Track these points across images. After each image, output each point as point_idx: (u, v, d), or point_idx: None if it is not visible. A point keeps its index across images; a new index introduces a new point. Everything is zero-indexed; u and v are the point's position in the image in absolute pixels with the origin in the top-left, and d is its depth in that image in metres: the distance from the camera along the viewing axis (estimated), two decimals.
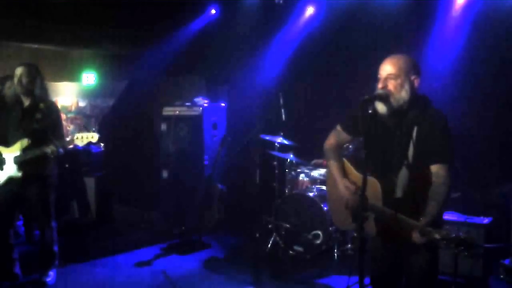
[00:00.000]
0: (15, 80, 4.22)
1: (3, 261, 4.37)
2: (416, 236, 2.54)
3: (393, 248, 2.78)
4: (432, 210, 2.57)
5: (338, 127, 3.07)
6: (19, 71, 4.23)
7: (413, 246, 2.63)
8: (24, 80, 4.22)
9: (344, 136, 3.05)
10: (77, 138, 4.08)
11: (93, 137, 4.08)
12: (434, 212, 2.55)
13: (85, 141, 4.08)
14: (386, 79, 2.71)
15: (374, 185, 2.70)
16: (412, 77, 2.71)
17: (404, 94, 2.69)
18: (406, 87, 2.69)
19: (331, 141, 3.12)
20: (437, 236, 2.41)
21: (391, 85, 2.69)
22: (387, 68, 2.72)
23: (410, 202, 2.66)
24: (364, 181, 2.52)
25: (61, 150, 4.16)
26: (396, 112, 2.72)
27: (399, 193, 2.72)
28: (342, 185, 2.94)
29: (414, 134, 2.69)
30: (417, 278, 2.77)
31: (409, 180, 2.69)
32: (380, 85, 2.73)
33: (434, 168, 2.65)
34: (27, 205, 4.39)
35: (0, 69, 4.63)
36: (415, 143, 2.68)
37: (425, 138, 2.66)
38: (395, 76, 2.69)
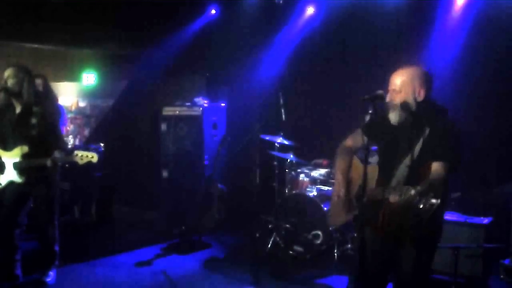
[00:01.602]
0: (3, 82, 4.15)
1: (5, 262, 4.35)
2: (392, 196, 2.59)
3: (387, 245, 2.81)
4: (423, 184, 2.53)
5: (359, 129, 3.12)
6: (7, 72, 4.17)
7: (407, 239, 2.69)
8: (10, 82, 4.13)
9: (361, 138, 3.06)
10: (76, 155, 4.00)
11: (93, 157, 3.99)
12: (423, 187, 2.51)
13: (84, 160, 4.00)
14: (391, 93, 2.82)
15: (372, 172, 2.79)
16: (417, 89, 2.78)
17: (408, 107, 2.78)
18: (411, 100, 2.78)
19: (347, 142, 3.20)
20: (412, 192, 2.44)
21: (396, 99, 2.80)
22: (393, 82, 2.83)
23: None
24: (365, 179, 2.56)
25: (60, 163, 4.13)
26: (408, 117, 2.81)
27: (393, 183, 2.79)
28: (336, 183, 3.12)
29: (426, 134, 2.76)
30: (410, 271, 2.82)
31: (407, 176, 2.77)
32: (387, 98, 2.83)
33: (434, 165, 2.68)
34: (32, 204, 4.38)
35: (0, 69, 4.61)
36: (423, 141, 2.75)
37: (434, 139, 2.73)
38: (398, 91, 2.79)
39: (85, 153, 4.01)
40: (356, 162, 3.17)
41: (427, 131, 2.76)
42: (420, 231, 2.69)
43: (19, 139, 4.18)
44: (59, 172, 4.48)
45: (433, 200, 2.36)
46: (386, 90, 2.85)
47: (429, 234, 2.78)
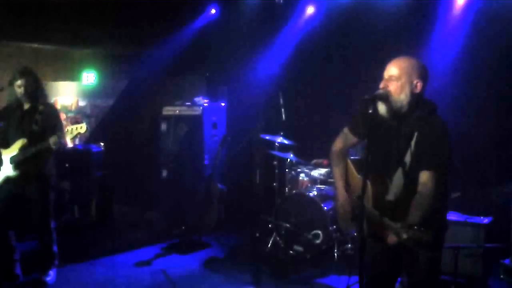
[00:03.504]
0: (19, 90, 4.27)
1: (3, 262, 4.37)
2: (389, 237, 2.56)
3: (391, 249, 2.78)
4: (413, 219, 2.53)
5: (345, 129, 3.05)
6: (21, 81, 4.26)
7: (414, 247, 2.63)
8: (30, 89, 4.29)
9: (351, 138, 3.04)
10: (67, 131, 4.06)
11: (82, 127, 4.04)
12: (415, 221, 2.51)
13: (74, 133, 4.04)
14: (388, 80, 2.72)
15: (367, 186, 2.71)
16: (415, 81, 2.68)
17: (403, 97, 2.68)
18: (406, 90, 2.67)
19: (337, 145, 3.10)
20: (404, 235, 2.43)
21: (391, 87, 2.69)
22: (390, 70, 2.73)
23: (400, 206, 2.65)
24: (364, 183, 2.53)
25: (54, 146, 4.14)
26: (395, 115, 2.72)
27: (391, 196, 2.72)
28: (340, 196, 3.04)
29: (414, 139, 2.67)
30: (419, 278, 2.77)
31: (403, 184, 2.69)
32: (381, 85, 2.73)
33: (423, 176, 2.61)
34: (27, 205, 4.39)
35: (0, 69, 4.64)
36: (413, 148, 2.67)
37: (422, 144, 2.65)
38: (396, 78, 2.68)
39: (74, 126, 4.05)
40: (350, 167, 3.07)
41: (415, 136, 2.66)
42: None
43: (21, 134, 4.25)
44: (54, 173, 4.50)
45: (425, 239, 2.36)
46: (381, 77, 2.76)
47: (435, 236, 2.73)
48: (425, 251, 2.67)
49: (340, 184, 3.04)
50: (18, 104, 4.38)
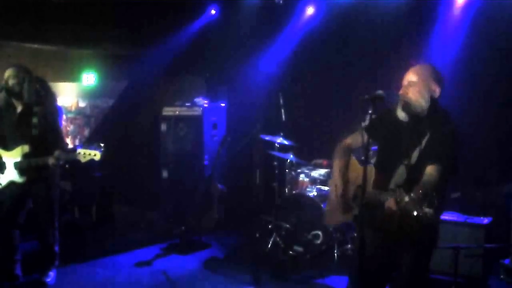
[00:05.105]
0: (4, 82, 4.18)
1: (5, 262, 4.36)
2: (389, 202, 2.61)
3: (386, 247, 2.80)
4: (416, 190, 2.49)
5: (359, 130, 3.06)
6: (7, 73, 4.19)
7: (406, 240, 2.69)
8: (10, 82, 4.16)
9: (361, 139, 3.02)
10: (79, 153, 4.00)
11: (96, 155, 3.99)
12: (416, 194, 2.47)
13: (87, 158, 3.99)
14: (407, 86, 2.83)
15: (369, 173, 2.77)
16: (433, 87, 2.81)
17: (423, 102, 2.79)
18: (426, 95, 2.79)
19: (347, 141, 3.18)
20: (406, 198, 2.45)
21: (410, 93, 2.80)
22: (409, 76, 2.85)
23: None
24: (364, 180, 2.55)
25: (53, 166, 4.13)
26: (414, 118, 2.82)
27: (392, 185, 2.78)
28: (333, 181, 3.08)
29: (426, 138, 2.75)
30: (408, 272, 2.83)
31: (406, 177, 2.76)
32: (400, 91, 2.84)
33: (428, 168, 2.67)
34: (32, 203, 4.37)
35: (0, 69, 4.63)
36: (423, 146, 2.75)
37: (432, 142, 2.73)
38: (414, 84, 2.80)
39: (87, 151, 4.02)
40: (354, 162, 3.16)
41: (427, 136, 2.75)
42: (418, 235, 2.69)
43: (20, 139, 4.19)
44: (58, 173, 4.48)
45: (427, 210, 2.36)
46: (400, 84, 2.85)
47: (427, 237, 2.79)
48: (418, 245, 2.74)
49: (337, 173, 3.09)
50: (9, 103, 4.24)
